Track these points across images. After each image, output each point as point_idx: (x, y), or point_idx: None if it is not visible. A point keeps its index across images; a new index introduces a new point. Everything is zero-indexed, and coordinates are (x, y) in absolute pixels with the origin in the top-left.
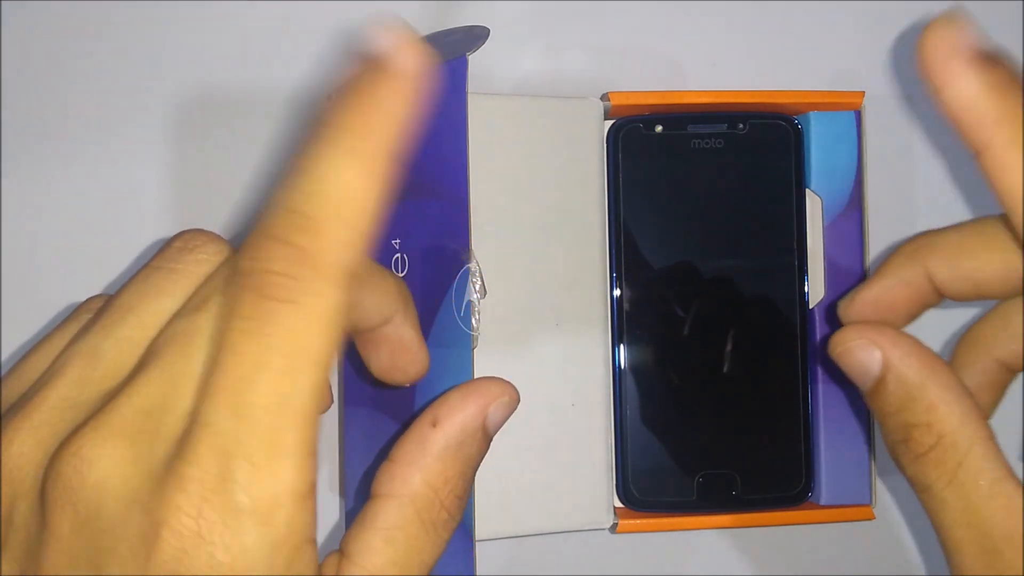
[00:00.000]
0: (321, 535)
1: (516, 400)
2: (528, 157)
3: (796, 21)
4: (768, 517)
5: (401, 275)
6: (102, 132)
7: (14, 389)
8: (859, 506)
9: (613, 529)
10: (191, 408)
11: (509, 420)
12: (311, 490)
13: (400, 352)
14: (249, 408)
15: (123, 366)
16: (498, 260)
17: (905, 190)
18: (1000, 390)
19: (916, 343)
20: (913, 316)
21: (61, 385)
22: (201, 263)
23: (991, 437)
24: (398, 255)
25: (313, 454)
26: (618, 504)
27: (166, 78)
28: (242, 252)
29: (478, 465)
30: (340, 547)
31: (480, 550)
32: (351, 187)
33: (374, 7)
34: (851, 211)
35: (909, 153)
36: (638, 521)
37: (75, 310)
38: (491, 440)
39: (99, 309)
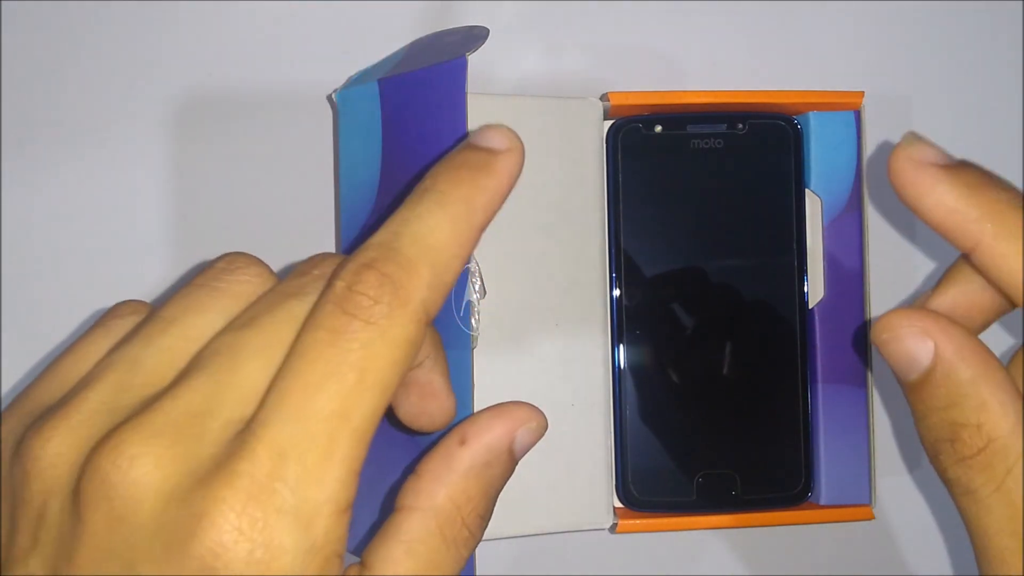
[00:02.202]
0: None
1: (544, 427)
2: (528, 157)
3: (796, 21)
4: (768, 517)
5: None
6: (102, 132)
7: (49, 392)
8: (859, 506)
9: (613, 529)
10: (238, 416)
11: None
12: (349, 507)
13: (428, 397)
14: (312, 414)
15: (163, 375)
16: (498, 260)
17: None
18: (992, 315)
19: (971, 337)
20: (987, 324)
21: (100, 389)
22: (243, 283)
23: None
24: None
25: (357, 473)
26: (618, 504)
27: (166, 78)
28: (336, 274)
29: (501, 487)
30: (361, 558)
31: (480, 550)
32: (447, 241)
33: (374, 7)
34: (851, 211)
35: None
36: (638, 521)
37: (104, 314)
38: (516, 463)
39: (139, 323)
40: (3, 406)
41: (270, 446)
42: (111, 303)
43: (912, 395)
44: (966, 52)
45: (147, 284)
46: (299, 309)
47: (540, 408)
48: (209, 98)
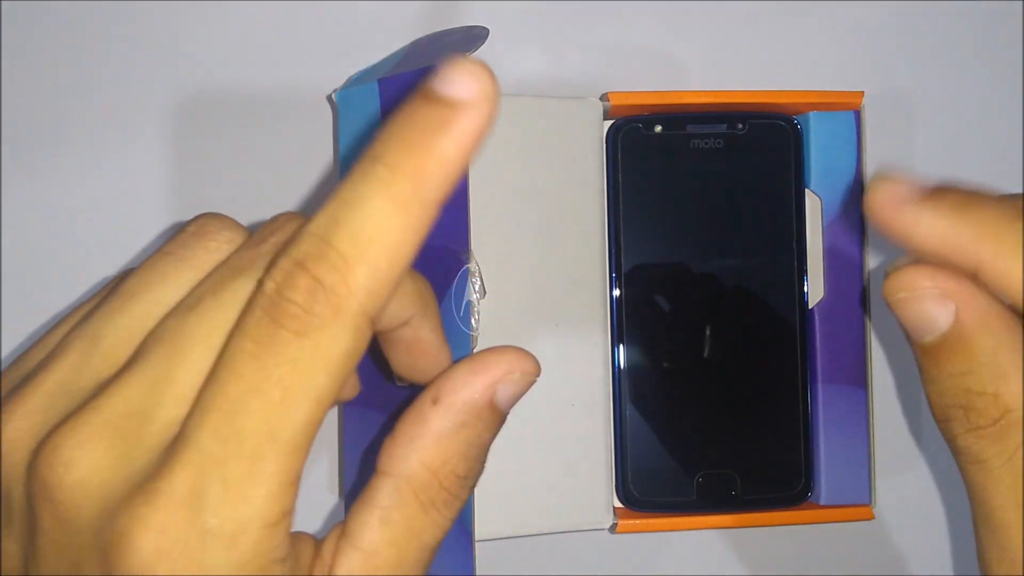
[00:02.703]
0: (320, 534)
1: (533, 372)
2: (528, 157)
3: (796, 21)
4: (768, 517)
5: None
6: (102, 132)
7: (24, 369)
8: (859, 506)
9: (613, 529)
10: (174, 416)
11: (508, 421)
12: (284, 517)
13: (419, 354)
14: (236, 433)
15: (120, 354)
16: (497, 260)
17: None
18: None
19: (994, 301)
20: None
21: (58, 370)
22: (211, 251)
23: None
24: None
25: (293, 483)
26: (618, 504)
27: (166, 78)
28: (269, 271)
29: (488, 442)
30: (344, 522)
31: (480, 550)
32: (390, 234)
33: (374, 7)
34: (851, 211)
35: (909, 153)
36: (638, 521)
37: (105, 287)
38: (504, 417)
39: (105, 294)
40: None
41: (191, 465)
42: None
43: (925, 358)
44: (966, 52)
45: None
46: (244, 290)
47: (540, 406)
48: (209, 98)
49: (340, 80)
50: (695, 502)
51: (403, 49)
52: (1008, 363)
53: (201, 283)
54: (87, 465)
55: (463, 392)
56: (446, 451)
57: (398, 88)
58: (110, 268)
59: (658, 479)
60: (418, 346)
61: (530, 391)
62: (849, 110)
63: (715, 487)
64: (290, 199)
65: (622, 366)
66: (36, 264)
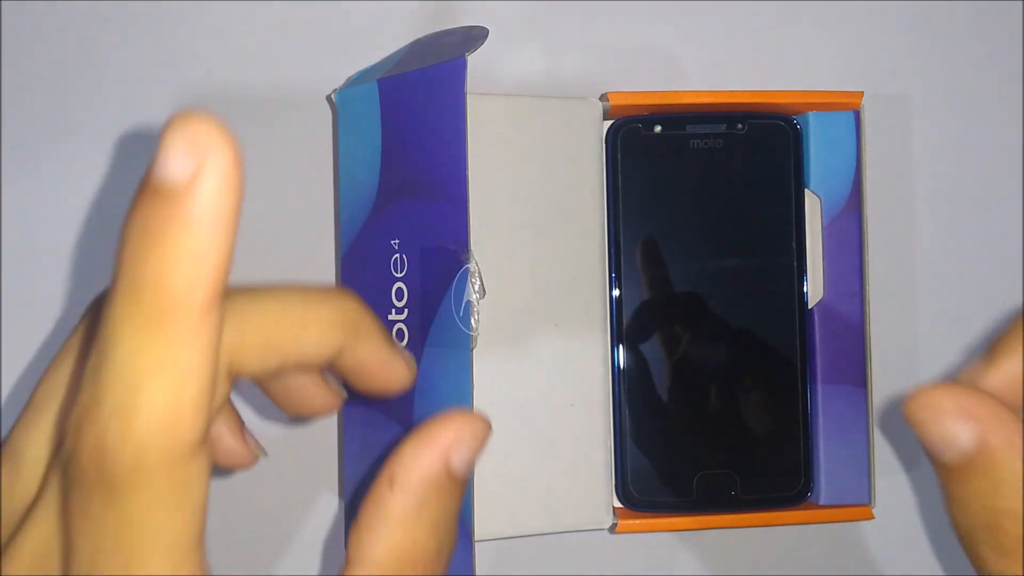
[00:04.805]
0: (321, 535)
1: (483, 432)
2: (527, 157)
3: (796, 21)
4: (767, 517)
5: (400, 275)
6: (102, 132)
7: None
8: (858, 506)
9: (612, 529)
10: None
11: (508, 421)
12: None
13: (367, 377)
14: None
15: (41, 469)
16: (497, 260)
17: (904, 190)
18: None
19: (1018, 421)
20: None
21: None
22: None
23: None
24: (397, 255)
25: None
26: (617, 504)
27: (166, 78)
28: (64, 431)
29: (455, 510)
30: None
31: (480, 550)
32: (161, 361)
33: (374, 7)
34: (850, 211)
35: (908, 153)
36: (637, 521)
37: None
38: (465, 482)
39: (27, 400)
40: (3, 407)
41: None
42: None
43: (948, 478)
44: (966, 52)
45: None
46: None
47: (539, 406)
48: (209, 98)
49: (340, 80)
50: (695, 502)
51: (403, 49)
52: None
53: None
54: None
55: (416, 469)
56: (413, 532)
57: (398, 88)
58: (109, 268)
59: (658, 479)
60: (362, 371)
61: (530, 391)
62: (848, 110)
63: (715, 487)
64: (290, 199)
65: (622, 366)
66: (36, 264)
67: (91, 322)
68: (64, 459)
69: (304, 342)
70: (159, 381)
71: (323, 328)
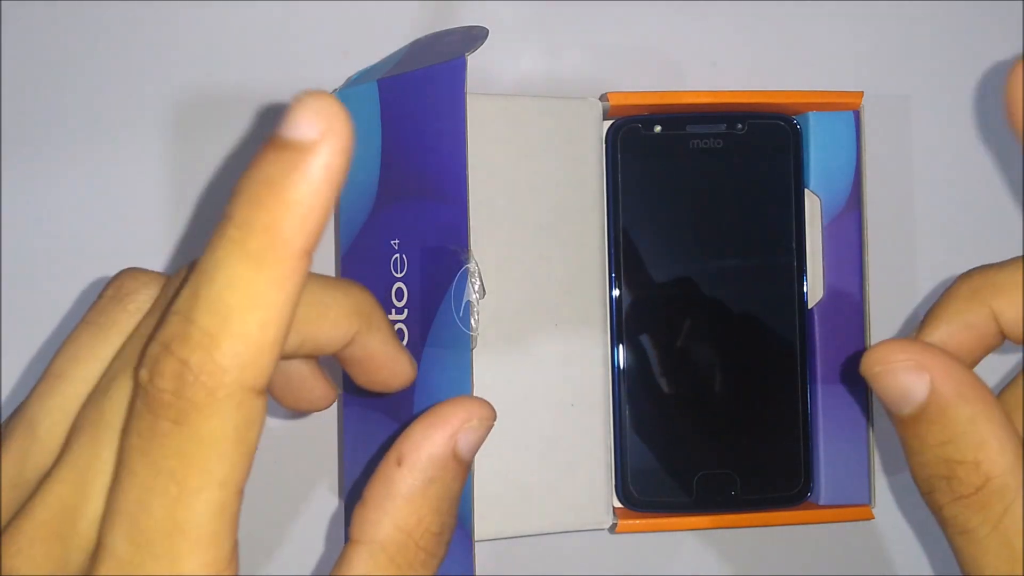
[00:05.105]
0: (320, 533)
1: (490, 418)
2: (527, 157)
3: (796, 21)
4: (767, 517)
5: (400, 275)
6: (102, 132)
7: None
8: (858, 506)
9: (612, 529)
10: (101, 511)
11: (508, 421)
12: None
13: (373, 369)
14: (144, 534)
15: (55, 440)
16: (497, 260)
17: (904, 190)
18: (981, 352)
19: (967, 371)
20: (975, 363)
21: (6, 462)
22: (132, 313)
23: None
24: (397, 255)
25: (221, 561)
26: (617, 504)
27: (166, 78)
28: (141, 358)
29: (458, 493)
30: None
31: (480, 550)
32: (255, 297)
33: (374, 7)
34: (850, 211)
35: (908, 153)
36: (637, 521)
37: (105, 293)
38: (469, 466)
39: (43, 372)
40: (3, 409)
41: (113, 568)
42: None
43: (905, 430)
44: (966, 52)
45: None
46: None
47: (539, 406)
48: (209, 98)
49: (340, 80)
50: (695, 502)
51: (403, 49)
52: (987, 431)
53: (116, 357)
54: (29, 569)
55: (425, 447)
56: (419, 510)
57: (398, 88)
58: (109, 268)
59: (658, 479)
60: (370, 362)
61: (530, 391)
62: (848, 110)
63: (715, 487)
64: None
65: (622, 366)
66: (36, 264)
67: (116, 289)
68: (138, 387)
69: (322, 325)
70: (251, 315)
71: (340, 313)
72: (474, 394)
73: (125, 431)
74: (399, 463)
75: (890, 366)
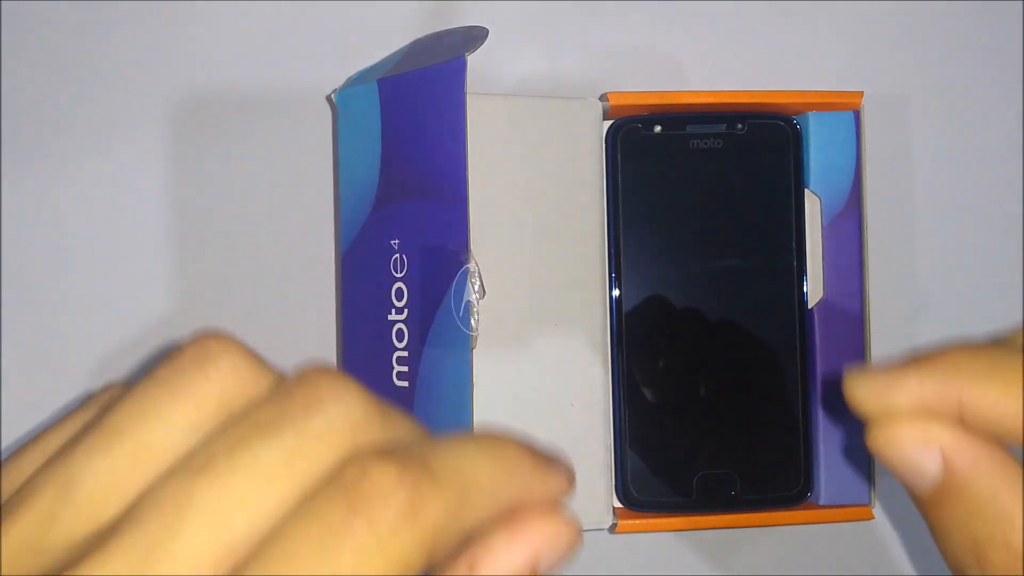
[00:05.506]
0: None
1: (577, 540)
2: (527, 157)
3: (796, 21)
4: (767, 517)
5: (400, 275)
6: (102, 132)
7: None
8: (858, 506)
9: (612, 529)
10: None
11: (508, 421)
12: None
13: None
14: None
15: (98, 508)
16: (497, 260)
17: (904, 190)
18: None
19: (982, 441)
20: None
21: (24, 520)
22: (213, 380)
23: None
24: (397, 255)
25: None
26: (617, 504)
27: (166, 78)
28: (352, 457)
29: None
30: None
31: None
32: (484, 480)
33: (374, 7)
34: (850, 211)
35: (908, 153)
36: (637, 521)
37: (87, 400)
38: None
39: (88, 423)
40: (2, 413)
41: None
42: (111, 302)
43: (925, 509)
44: (966, 52)
45: (145, 284)
46: (267, 457)
47: (539, 406)
48: (209, 98)
49: (340, 80)
50: (695, 502)
51: (403, 49)
52: (1011, 504)
53: (211, 438)
54: None
55: (502, 562)
56: None
57: (398, 88)
58: (109, 267)
59: (657, 479)
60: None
61: (530, 391)
62: (848, 110)
63: (715, 487)
64: (290, 199)
65: (622, 366)
66: (36, 264)
67: (198, 349)
68: (339, 480)
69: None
70: (470, 486)
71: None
72: (473, 397)
73: (300, 516)
74: (471, 569)
75: (898, 441)
